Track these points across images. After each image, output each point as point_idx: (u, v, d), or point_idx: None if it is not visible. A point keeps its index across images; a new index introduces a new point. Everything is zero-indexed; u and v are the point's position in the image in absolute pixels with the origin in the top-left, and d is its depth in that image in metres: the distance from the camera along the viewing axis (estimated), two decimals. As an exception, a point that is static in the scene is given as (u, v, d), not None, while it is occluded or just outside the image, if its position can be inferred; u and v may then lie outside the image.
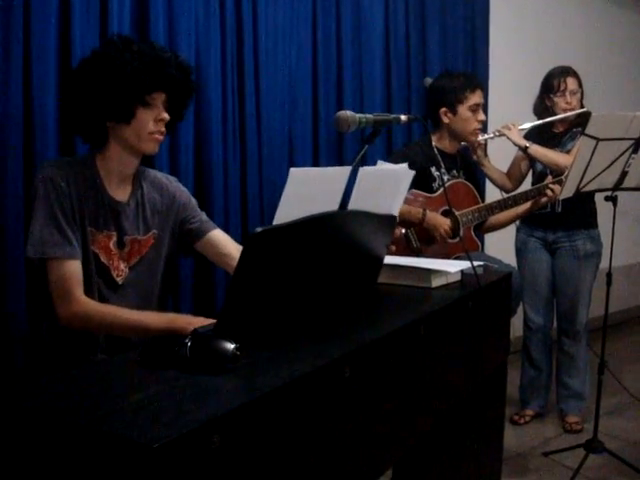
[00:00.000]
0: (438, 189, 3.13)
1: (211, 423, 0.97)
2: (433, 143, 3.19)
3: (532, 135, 3.58)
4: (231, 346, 1.20)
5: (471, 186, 3.22)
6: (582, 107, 3.55)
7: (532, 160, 3.61)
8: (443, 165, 3.14)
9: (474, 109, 3.16)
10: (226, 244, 2.18)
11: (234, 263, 2.05)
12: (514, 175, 3.75)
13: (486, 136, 3.38)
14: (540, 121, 3.58)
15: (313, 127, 3.50)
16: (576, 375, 3.72)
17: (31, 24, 2.40)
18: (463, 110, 3.15)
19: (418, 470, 2.33)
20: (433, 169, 3.14)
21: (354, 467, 1.40)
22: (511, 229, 3.59)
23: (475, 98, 3.16)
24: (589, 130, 2.76)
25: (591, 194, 3.12)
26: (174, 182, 2.21)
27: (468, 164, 3.39)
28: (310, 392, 1.22)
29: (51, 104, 2.44)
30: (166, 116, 1.97)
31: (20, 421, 1.03)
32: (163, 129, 1.98)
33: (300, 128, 3.42)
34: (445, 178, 3.13)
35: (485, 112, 4.27)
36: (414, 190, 3.04)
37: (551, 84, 3.58)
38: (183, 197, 2.18)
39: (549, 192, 3.11)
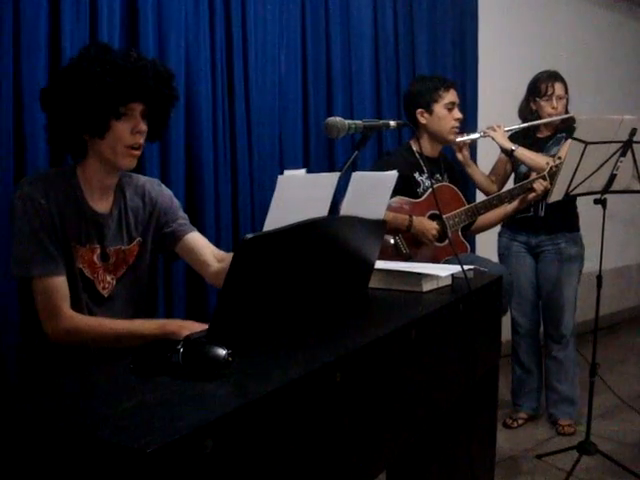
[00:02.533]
0: (423, 194, 3.15)
1: (204, 428, 0.97)
2: (414, 148, 3.21)
3: (516, 139, 3.59)
4: (223, 352, 1.20)
5: (456, 189, 3.23)
6: (567, 113, 3.58)
7: (515, 162, 3.62)
8: (425, 169, 3.15)
9: (450, 107, 3.18)
10: (202, 250, 2.14)
11: (211, 269, 2.07)
12: (496, 177, 3.76)
13: (472, 136, 3.40)
14: (526, 124, 3.61)
15: (303, 133, 3.51)
16: (565, 380, 3.72)
17: (21, 29, 2.41)
18: (439, 109, 3.17)
19: (411, 473, 2.34)
20: (417, 174, 3.16)
21: (346, 471, 1.40)
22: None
23: (450, 96, 3.18)
24: (578, 134, 2.79)
25: (573, 197, 3.14)
26: (156, 186, 2.16)
27: (452, 167, 3.41)
28: (302, 397, 1.22)
29: (41, 116, 2.39)
30: (143, 127, 1.92)
31: (13, 428, 1.04)
32: (141, 141, 1.93)
33: (290, 134, 3.44)
34: (427, 183, 3.14)
35: (474, 114, 4.32)
36: (399, 197, 3.05)
37: (538, 88, 3.59)
38: (165, 202, 2.14)
39: (536, 187, 3.13)
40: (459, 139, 3.36)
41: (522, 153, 3.44)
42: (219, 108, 3.07)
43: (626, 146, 2.88)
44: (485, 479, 2.47)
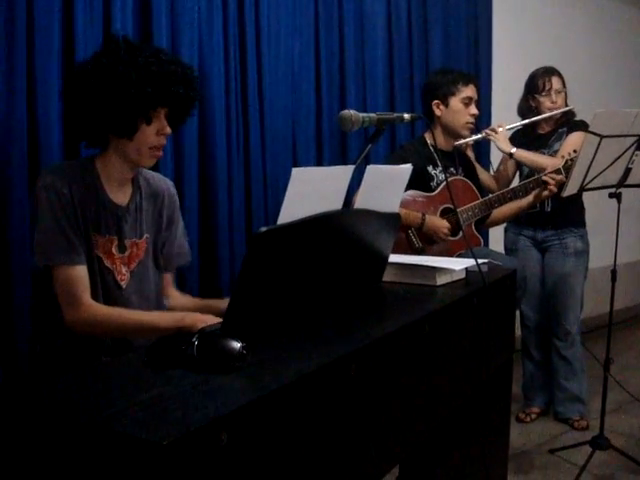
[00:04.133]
0: (436, 188, 3.14)
1: (219, 421, 0.98)
2: (428, 141, 3.20)
3: (517, 137, 3.59)
4: (238, 345, 1.21)
5: (470, 182, 3.22)
6: (567, 106, 3.57)
7: (519, 163, 3.61)
8: (439, 163, 3.14)
9: (466, 102, 3.16)
10: (167, 287, 2.20)
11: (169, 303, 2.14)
12: (501, 177, 3.75)
13: (474, 137, 3.38)
14: (527, 120, 3.59)
15: (316, 126, 3.51)
16: (572, 377, 3.70)
17: (35, 24, 2.40)
18: (455, 102, 3.15)
19: (424, 468, 2.33)
20: (430, 168, 3.15)
21: (361, 465, 1.40)
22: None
23: (468, 92, 3.16)
24: (593, 127, 2.77)
25: (582, 192, 3.13)
26: (172, 193, 2.18)
27: (467, 161, 3.39)
28: (316, 390, 1.22)
29: (55, 109, 2.45)
30: (169, 130, 1.96)
31: (31, 422, 1.04)
32: (164, 142, 1.97)
33: (303, 127, 3.43)
34: (441, 176, 3.13)
35: (488, 110, 4.30)
36: (412, 191, 3.05)
37: (535, 84, 3.59)
38: (169, 221, 2.16)
39: (549, 181, 3.12)
40: (461, 141, 3.33)
41: (521, 155, 3.42)
42: (232, 102, 3.07)
43: (641, 140, 2.87)
44: (498, 474, 2.46)
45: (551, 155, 3.49)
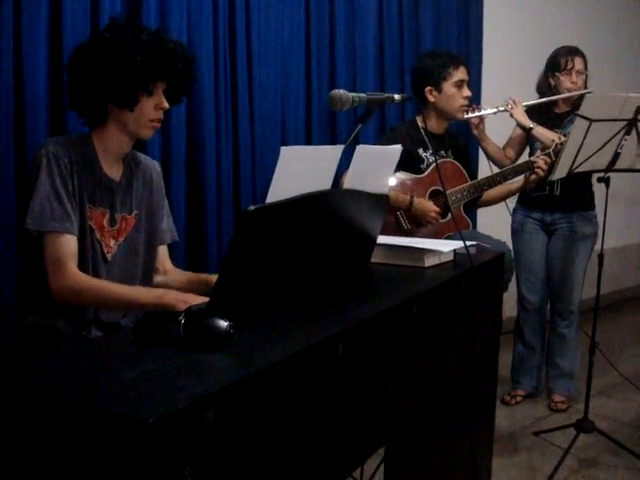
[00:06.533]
0: (426, 170, 3.13)
1: (205, 399, 0.97)
2: (419, 124, 3.19)
3: (533, 114, 3.54)
4: (225, 324, 1.20)
5: (459, 165, 3.21)
6: (586, 89, 3.52)
7: (530, 138, 3.58)
8: (430, 145, 3.14)
9: (459, 85, 3.15)
10: (160, 259, 2.25)
11: (158, 278, 2.21)
12: (511, 152, 3.72)
13: (489, 111, 3.37)
14: (544, 99, 3.56)
15: (306, 107, 3.50)
16: (567, 355, 3.75)
17: (22, 3, 2.38)
18: (448, 87, 3.14)
19: (410, 448, 2.34)
20: (420, 150, 3.15)
21: (347, 444, 1.40)
22: (502, 208, 3.58)
23: (459, 74, 3.15)
24: (583, 111, 2.76)
25: (589, 176, 3.12)
26: (159, 172, 2.25)
27: (457, 143, 3.38)
28: (304, 369, 1.22)
29: (42, 88, 2.45)
30: (166, 105, 2.03)
31: (15, 399, 1.03)
32: (162, 116, 2.04)
33: (293, 107, 3.42)
34: (431, 159, 3.12)
35: (478, 92, 4.28)
36: (401, 172, 3.04)
37: (558, 62, 3.54)
38: (159, 198, 2.23)
39: (538, 166, 3.11)
40: (477, 114, 3.33)
41: (540, 132, 3.41)
42: (221, 81, 3.05)
43: (631, 124, 2.86)
44: (484, 455, 2.48)
45: (564, 136, 3.46)
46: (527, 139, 3.65)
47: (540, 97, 3.61)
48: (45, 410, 0.99)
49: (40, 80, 2.44)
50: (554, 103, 3.60)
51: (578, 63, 3.52)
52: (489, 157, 3.62)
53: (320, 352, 1.28)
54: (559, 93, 3.54)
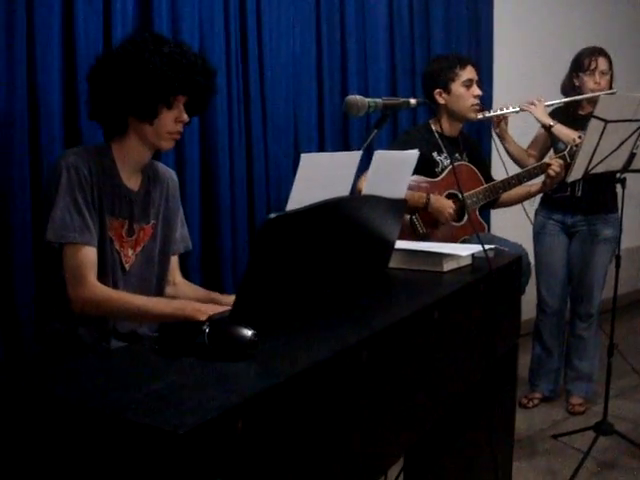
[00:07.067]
0: (441, 174, 3.12)
1: (234, 409, 0.97)
2: (433, 128, 3.19)
3: (557, 115, 3.51)
4: (249, 332, 1.20)
5: (474, 168, 3.20)
6: (611, 89, 3.49)
7: (554, 139, 3.55)
8: (445, 149, 3.13)
9: (468, 84, 3.14)
10: (171, 271, 2.24)
11: (168, 290, 2.20)
12: (534, 153, 3.70)
13: (511, 110, 3.36)
14: (566, 99, 3.54)
15: (318, 112, 3.49)
16: (586, 357, 3.73)
17: (34, 13, 2.37)
18: (456, 87, 3.14)
19: (430, 456, 2.34)
20: (435, 154, 3.14)
21: (373, 451, 1.40)
22: (518, 210, 3.56)
23: (467, 74, 3.14)
24: (598, 112, 2.75)
25: (612, 178, 3.09)
26: (175, 181, 2.25)
27: (472, 146, 3.37)
28: (329, 377, 1.22)
29: (56, 100, 2.45)
30: (186, 118, 2.03)
31: (44, 410, 1.03)
32: (182, 129, 2.05)
33: (305, 113, 3.41)
34: (446, 162, 3.12)
35: (489, 93, 4.27)
36: (417, 176, 3.03)
37: (581, 62, 3.52)
38: (174, 208, 2.22)
39: (551, 171, 3.10)
40: (498, 113, 3.34)
41: (560, 130, 3.37)
42: (234, 88, 3.05)
43: (646, 125, 2.85)
44: (504, 459, 2.47)
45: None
46: (550, 140, 3.62)
47: (564, 97, 3.58)
48: (72, 422, 0.99)
49: (54, 89, 2.44)
50: (578, 104, 3.57)
51: (602, 63, 3.48)
52: (511, 157, 3.61)
53: (345, 359, 1.27)
54: (583, 94, 3.51)
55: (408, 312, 1.56)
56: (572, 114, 3.56)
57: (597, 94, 3.38)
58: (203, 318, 1.50)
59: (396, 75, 3.87)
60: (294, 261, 1.46)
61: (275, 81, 3.24)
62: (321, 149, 3.46)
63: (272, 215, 1.33)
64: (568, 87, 3.60)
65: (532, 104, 3.41)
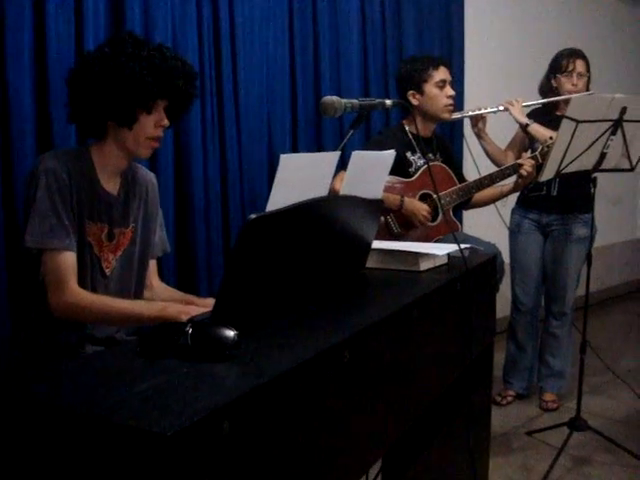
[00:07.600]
0: (414, 174, 3.14)
1: (221, 410, 0.96)
2: (407, 128, 3.20)
3: (535, 115, 3.56)
4: (232, 333, 1.19)
5: (447, 168, 3.23)
6: (588, 91, 3.54)
7: (531, 139, 3.59)
8: (418, 149, 3.15)
9: (441, 85, 3.16)
10: (149, 275, 2.23)
11: (146, 293, 2.19)
12: (512, 153, 3.73)
13: (489, 110, 3.40)
14: (544, 100, 3.58)
15: (292, 113, 3.50)
16: (559, 355, 3.77)
17: (5, 16, 2.36)
18: (430, 88, 3.16)
19: (407, 456, 2.34)
20: (409, 154, 3.15)
21: (356, 449, 1.40)
22: (490, 210, 3.59)
23: (440, 74, 3.17)
24: (570, 112, 2.78)
25: (587, 177, 3.13)
26: (154, 184, 2.23)
27: (445, 146, 3.40)
28: (312, 376, 1.22)
29: (28, 105, 2.44)
30: (166, 122, 2.00)
31: (27, 414, 1.02)
32: (161, 134, 2.01)
33: (279, 113, 3.42)
34: (419, 162, 3.14)
35: (460, 96, 4.30)
36: (391, 176, 3.04)
37: (559, 64, 3.57)
38: (153, 211, 2.21)
39: (523, 171, 3.13)
40: (476, 112, 3.36)
41: (536, 129, 3.41)
42: (207, 88, 3.05)
43: (616, 125, 2.88)
44: (480, 457, 2.48)
45: None
46: (528, 140, 3.66)
47: (542, 98, 3.63)
48: (58, 426, 0.98)
49: (25, 91, 2.42)
50: (555, 105, 3.62)
51: (579, 65, 3.53)
52: (489, 156, 3.65)
53: (327, 359, 1.27)
54: (560, 95, 3.56)
55: (388, 311, 1.57)
56: (550, 115, 3.60)
57: (574, 95, 3.43)
58: (185, 319, 1.50)
59: (369, 76, 3.89)
60: (275, 261, 1.46)
61: (248, 82, 3.24)
62: (295, 150, 3.46)
63: (253, 215, 1.33)
64: (546, 88, 3.66)
65: (510, 103, 3.44)
